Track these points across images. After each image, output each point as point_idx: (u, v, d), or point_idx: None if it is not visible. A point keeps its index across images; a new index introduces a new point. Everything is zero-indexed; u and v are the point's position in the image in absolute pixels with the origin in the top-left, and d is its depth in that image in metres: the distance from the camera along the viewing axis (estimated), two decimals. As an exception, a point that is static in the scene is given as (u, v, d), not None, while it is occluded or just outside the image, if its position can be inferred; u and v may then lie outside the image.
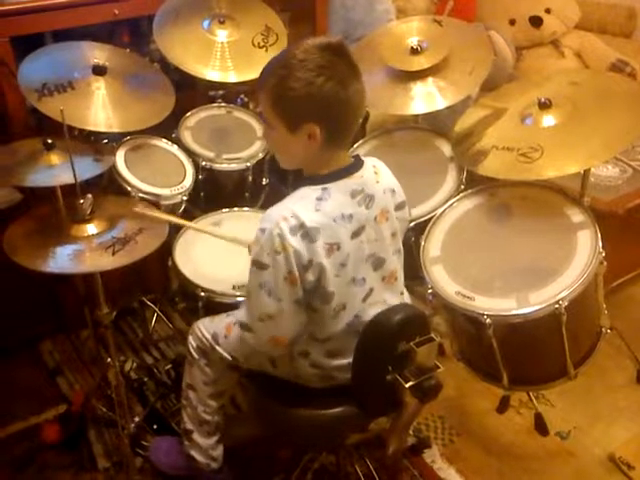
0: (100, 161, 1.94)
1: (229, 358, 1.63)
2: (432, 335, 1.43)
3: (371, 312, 1.50)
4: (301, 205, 1.40)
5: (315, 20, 2.83)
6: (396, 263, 1.57)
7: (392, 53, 2.32)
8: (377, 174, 1.53)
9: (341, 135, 1.44)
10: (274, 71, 1.40)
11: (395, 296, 1.58)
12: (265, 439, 1.93)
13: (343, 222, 1.42)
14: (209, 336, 1.66)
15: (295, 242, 1.37)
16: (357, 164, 1.50)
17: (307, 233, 1.38)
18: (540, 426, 2.08)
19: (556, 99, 1.93)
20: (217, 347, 1.64)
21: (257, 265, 1.41)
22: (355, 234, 1.45)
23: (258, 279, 1.41)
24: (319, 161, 1.46)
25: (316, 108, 1.37)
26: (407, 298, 1.66)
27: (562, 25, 3.33)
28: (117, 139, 2.15)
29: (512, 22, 3.35)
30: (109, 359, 1.89)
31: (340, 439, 1.61)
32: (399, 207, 1.58)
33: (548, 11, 3.31)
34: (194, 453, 1.79)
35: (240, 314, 1.51)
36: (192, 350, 1.71)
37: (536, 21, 3.29)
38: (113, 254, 1.64)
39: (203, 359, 1.70)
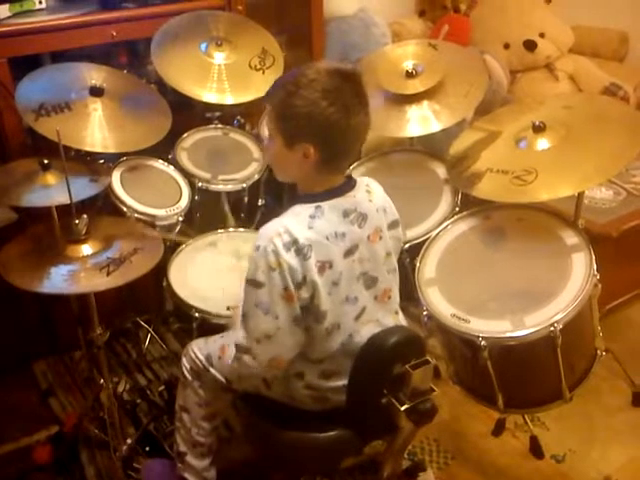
0: (96, 181, 1.95)
1: (223, 380, 1.62)
2: (427, 358, 1.43)
3: (364, 331, 1.50)
4: (294, 222, 1.41)
5: (312, 43, 2.86)
6: (390, 282, 1.57)
7: (388, 76, 2.34)
8: (370, 193, 1.54)
9: (337, 160, 1.45)
10: (283, 85, 1.42)
11: (389, 315, 1.58)
12: (259, 462, 1.91)
13: (336, 240, 1.43)
14: (203, 358, 1.65)
15: (289, 258, 1.37)
16: (350, 184, 1.50)
17: (300, 250, 1.38)
18: (535, 449, 2.07)
19: (550, 122, 1.94)
20: (211, 369, 1.63)
21: (252, 284, 1.41)
22: (348, 253, 1.45)
23: (254, 298, 1.41)
24: (313, 180, 1.47)
25: (314, 130, 1.39)
26: (402, 318, 1.66)
27: (556, 49, 3.36)
28: (113, 160, 2.16)
29: (506, 46, 3.38)
30: (102, 380, 1.89)
31: (334, 462, 1.60)
32: (392, 226, 1.58)
33: (542, 35, 3.35)
34: (188, 475, 1.77)
35: (236, 336, 1.49)
36: (185, 372, 1.70)
37: (530, 45, 3.32)
38: (108, 274, 1.64)
39: (196, 381, 1.68)
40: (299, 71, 1.42)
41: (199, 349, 1.68)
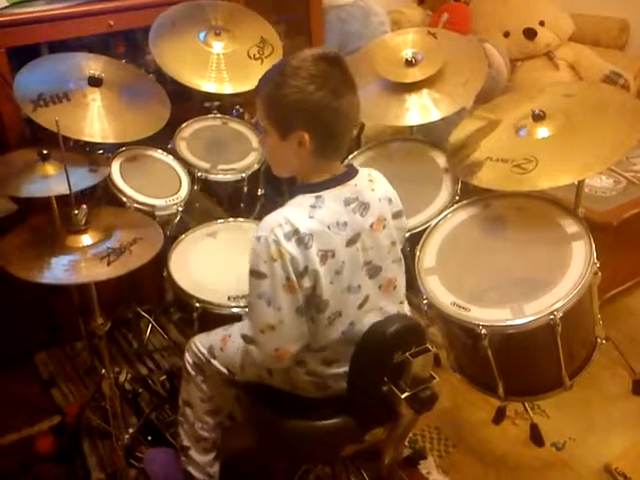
0: (95, 172, 1.94)
1: (225, 372, 1.62)
2: (428, 346, 1.43)
3: (366, 320, 1.50)
4: (295, 212, 1.41)
5: (310, 32, 2.85)
6: (395, 272, 1.57)
7: (387, 65, 2.33)
8: (372, 182, 1.54)
9: (332, 144, 1.45)
10: (270, 78, 1.43)
11: (393, 304, 1.58)
12: (261, 451, 1.92)
13: (337, 230, 1.43)
14: (205, 350, 1.66)
15: (291, 248, 1.37)
16: (350, 173, 1.50)
17: (301, 239, 1.38)
18: (536, 437, 2.08)
19: (550, 111, 1.94)
20: (213, 361, 1.63)
21: (255, 275, 1.41)
22: (350, 242, 1.45)
23: (257, 289, 1.41)
24: (311, 170, 1.47)
25: (306, 115, 1.39)
26: (407, 308, 1.65)
27: (556, 37, 3.35)
28: (112, 150, 2.15)
29: (506, 34, 3.38)
30: (103, 370, 1.89)
31: (336, 450, 1.61)
32: (396, 216, 1.58)
33: (542, 24, 3.34)
34: (191, 470, 1.77)
35: (243, 327, 1.50)
36: (188, 366, 1.70)
37: (530, 33, 3.31)
38: (108, 264, 1.64)
39: (199, 375, 1.69)
40: (284, 61, 1.43)
41: (201, 342, 1.68)
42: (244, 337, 1.49)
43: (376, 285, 1.53)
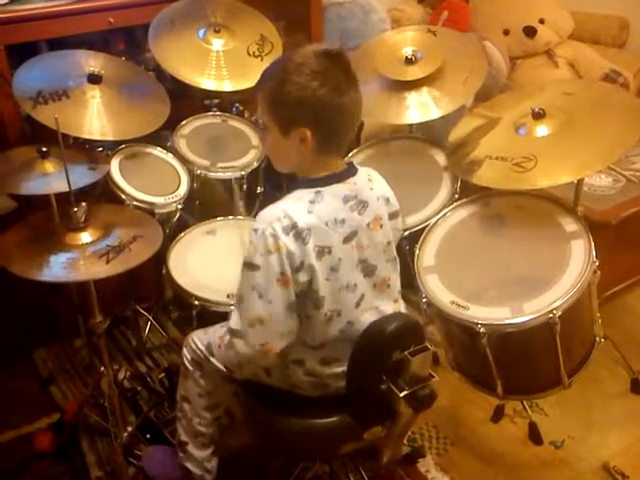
0: (95, 169, 1.94)
1: (223, 369, 1.62)
2: (426, 344, 1.43)
3: (363, 318, 1.51)
4: (294, 206, 1.41)
5: (310, 29, 2.85)
6: (390, 271, 1.57)
7: (387, 63, 2.33)
8: (371, 181, 1.54)
9: (334, 141, 1.45)
10: (272, 74, 1.43)
11: (388, 303, 1.58)
12: (259, 448, 1.92)
13: (335, 226, 1.43)
14: (203, 347, 1.65)
15: (288, 242, 1.37)
16: (350, 171, 1.50)
17: (299, 234, 1.38)
18: (534, 435, 2.08)
19: (550, 109, 1.94)
20: (211, 358, 1.63)
21: (249, 267, 1.40)
22: (347, 239, 1.45)
23: (250, 281, 1.40)
24: (312, 166, 1.47)
25: (308, 112, 1.38)
26: (402, 306, 1.66)
27: (556, 35, 3.35)
28: (112, 147, 2.16)
29: (506, 32, 3.37)
30: (102, 368, 1.89)
31: (334, 448, 1.61)
32: (393, 216, 1.58)
33: (542, 21, 3.34)
34: (189, 465, 1.78)
35: (231, 321, 1.49)
36: (186, 362, 1.70)
37: (530, 31, 3.31)
38: (107, 262, 1.64)
39: (197, 371, 1.69)
40: (286, 57, 1.42)
41: (199, 339, 1.68)
42: (231, 331, 1.47)
43: (371, 284, 1.53)
